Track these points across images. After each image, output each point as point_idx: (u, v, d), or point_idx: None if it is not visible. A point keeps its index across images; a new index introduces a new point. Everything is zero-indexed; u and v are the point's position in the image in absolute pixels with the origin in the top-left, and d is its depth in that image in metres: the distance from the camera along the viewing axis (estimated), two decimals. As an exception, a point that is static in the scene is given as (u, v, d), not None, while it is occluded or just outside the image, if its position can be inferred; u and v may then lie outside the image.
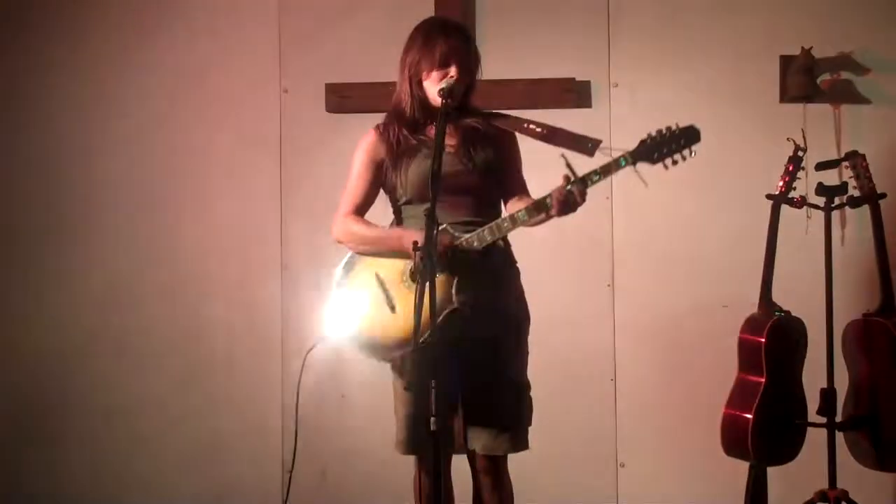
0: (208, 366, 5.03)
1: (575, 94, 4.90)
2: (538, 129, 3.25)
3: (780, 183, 4.32)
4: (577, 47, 4.98)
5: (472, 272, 3.15)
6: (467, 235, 3.15)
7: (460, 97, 3.25)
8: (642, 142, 3.07)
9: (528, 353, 3.34)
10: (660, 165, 3.07)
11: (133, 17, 5.08)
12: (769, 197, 4.33)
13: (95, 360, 5.03)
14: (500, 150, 3.34)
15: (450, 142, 3.23)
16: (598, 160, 3.12)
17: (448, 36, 3.25)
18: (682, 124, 3.09)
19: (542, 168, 3.29)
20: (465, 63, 3.25)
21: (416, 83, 3.26)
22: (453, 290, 3.11)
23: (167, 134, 5.06)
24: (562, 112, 4.52)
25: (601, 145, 3.11)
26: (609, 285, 4.91)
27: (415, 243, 2.98)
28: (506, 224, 3.15)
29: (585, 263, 4.93)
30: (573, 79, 4.91)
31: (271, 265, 5.02)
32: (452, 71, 3.21)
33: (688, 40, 4.96)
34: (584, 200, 3.07)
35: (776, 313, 4.26)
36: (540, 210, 3.11)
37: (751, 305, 4.36)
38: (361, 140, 3.39)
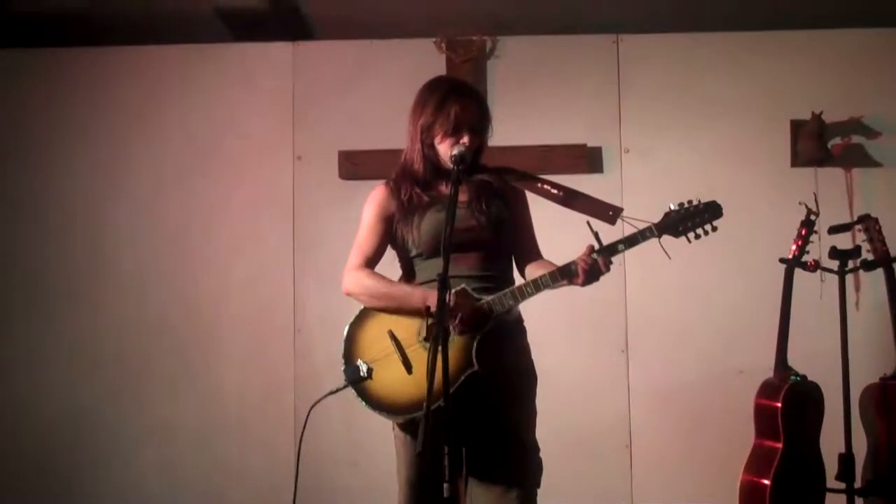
0: (220, 430, 5.03)
1: (586, 159, 4.96)
2: (554, 191, 3.26)
3: (793, 247, 4.34)
4: (588, 113, 5.06)
5: (489, 333, 3.13)
6: (489, 298, 3.14)
7: (471, 157, 3.23)
8: (667, 214, 3.15)
9: (536, 413, 3.29)
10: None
11: (149, 84, 5.18)
12: (782, 261, 4.36)
13: (107, 425, 5.04)
14: (511, 206, 3.33)
15: (461, 197, 3.19)
16: (618, 227, 3.16)
17: (462, 101, 3.23)
18: (704, 199, 3.16)
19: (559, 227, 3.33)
20: (478, 128, 3.26)
21: (428, 145, 3.26)
22: (474, 352, 3.10)
23: (181, 200, 5.15)
24: (573, 178, 4.25)
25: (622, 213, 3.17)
26: (623, 351, 4.94)
27: (428, 308, 2.99)
28: (528, 289, 3.14)
29: (599, 329, 4.94)
30: (584, 145, 4.98)
31: (284, 329, 5.05)
32: (465, 138, 3.21)
33: (698, 106, 5.03)
34: (608, 270, 3.11)
35: (792, 378, 4.27)
36: (564, 277, 3.13)
37: (766, 370, 4.36)
38: (371, 194, 3.37)
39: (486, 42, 5.08)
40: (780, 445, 4.17)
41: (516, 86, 5.05)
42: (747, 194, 4.87)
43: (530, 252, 3.37)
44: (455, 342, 3.06)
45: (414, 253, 3.31)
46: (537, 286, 3.14)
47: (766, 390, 4.30)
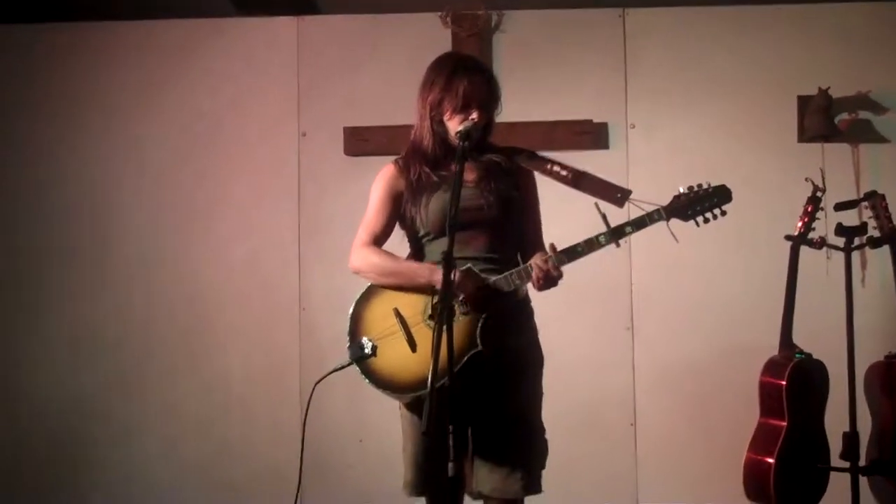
0: (224, 411, 5.05)
1: (592, 135, 4.95)
2: (563, 173, 3.26)
3: (799, 224, 4.36)
4: (593, 89, 5.04)
5: (494, 314, 3.14)
6: (496, 278, 3.14)
7: (479, 135, 3.22)
8: (676, 197, 3.17)
9: (542, 394, 3.30)
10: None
11: (152, 60, 5.16)
12: (788, 238, 4.37)
13: (111, 409, 5.06)
14: (520, 188, 3.32)
15: (469, 176, 3.22)
16: (625, 209, 3.17)
17: (471, 77, 3.22)
18: (714, 182, 3.19)
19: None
20: (487, 104, 3.24)
21: (437, 121, 3.25)
22: (478, 332, 3.11)
23: (184, 179, 5.14)
24: (579, 154, 4.49)
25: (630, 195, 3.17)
26: (628, 328, 4.95)
27: (434, 287, 3.04)
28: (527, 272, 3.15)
29: (604, 306, 4.94)
30: (590, 120, 4.97)
31: (290, 308, 5.05)
32: (474, 114, 3.20)
33: (705, 81, 5.02)
34: (560, 275, 3.12)
35: (797, 356, 4.29)
36: (522, 279, 3.14)
37: (771, 348, 4.39)
38: (380, 172, 3.38)
39: (492, 16, 5.05)
40: (784, 423, 4.19)
41: (521, 60, 5.03)
42: (754, 170, 4.87)
43: (532, 244, 3.30)
44: (460, 322, 3.06)
45: (422, 233, 3.31)
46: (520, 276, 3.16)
47: (771, 368, 4.31)
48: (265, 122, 5.13)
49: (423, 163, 3.29)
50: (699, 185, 3.19)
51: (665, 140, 4.98)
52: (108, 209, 5.13)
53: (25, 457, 5.04)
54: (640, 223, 3.15)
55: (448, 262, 2.82)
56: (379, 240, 3.33)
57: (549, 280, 3.12)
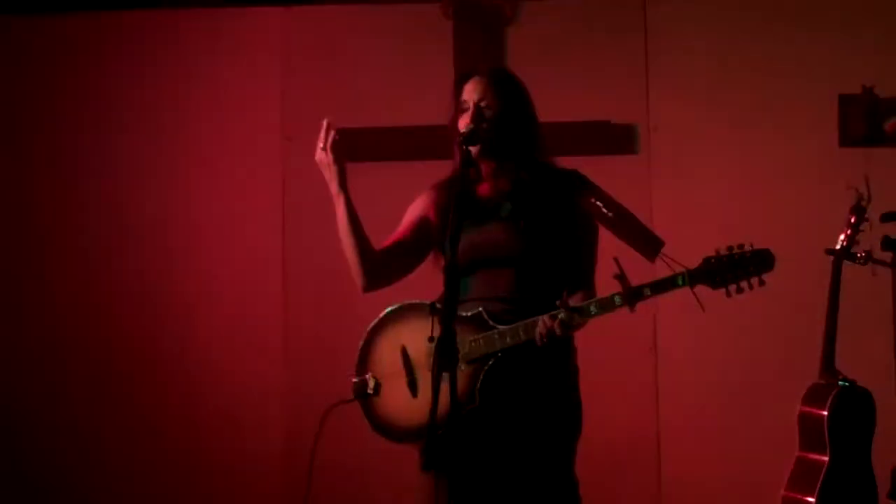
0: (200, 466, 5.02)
1: (611, 138, 4.92)
2: (605, 210, 3.13)
3: (842, 236, 4.26)
4: (611, 87, 5.01)
5: (506, 365, 3.04)
6: (503, 328, 3.03)
7: (487, 134, 3.10)
8: (706, 260, 3.01)
9: (572, 460, 3.18)
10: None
11: (125, 52, 5.14)
12: (830, 252, 4.27)
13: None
14: (565, 222, 3.17)
15: (504, 204, 3.18)
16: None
17: (471, 79, 3.18)
18: (756, 245, 3.06)
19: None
20: (489, 102, 3.13)
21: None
22: (477, 386, 3.03)
23: (151, 187, 5.10)
24: (594, 160, 4.40)
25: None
26: (651, 350, 4.93)
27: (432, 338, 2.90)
28: (521, 333, 3.03)
29: (625, 325, 4.61)
30: (608, 122, 4.92)
31: (272, 337, 5.01)
32: (466, 116, 3.11)
33: (735, 79, 4.98)
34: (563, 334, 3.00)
35: (840, 383, 4.18)
36: (585, 315, 3.02)
37: (811, 374, 4.28)
38: (420, 196, 3.34)
39: (502, 6, 5.03)
40: (826, 458, 4.11)
41: (533, 57, 4.95)
42: (790, 176, 4.83)
43: (578, 285, 3.15)
44: (463, 371, 2.98)
45: None
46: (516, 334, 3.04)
47: (811, 397, 4.22)
48: (245, 126, 5.08)
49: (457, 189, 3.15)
50: (738, 248, 3.02)
51: (691, 144, 4.95)
52: (78, 217, 5.11)
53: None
54: (659, 287, 3.01)
55: (451, 305, 2.76)
56: (388, 250, 3.25)
57: (552, 338, 2.99)
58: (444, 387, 2.68)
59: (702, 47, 5.02)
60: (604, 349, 4.72)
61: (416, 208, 3.31)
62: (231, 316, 5.05)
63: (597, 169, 3.30)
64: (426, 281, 3.24)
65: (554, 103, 4.64)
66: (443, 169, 3.28)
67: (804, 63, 4.95)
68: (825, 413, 4.14)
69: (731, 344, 4.89)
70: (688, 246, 3.00)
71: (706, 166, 4.90)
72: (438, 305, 2.94)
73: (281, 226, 5.05)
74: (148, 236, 5.08)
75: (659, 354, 4.93)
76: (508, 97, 3.20)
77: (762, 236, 3.05)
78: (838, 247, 4.27)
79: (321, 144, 3.17)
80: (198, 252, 5.08)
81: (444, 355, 2.70)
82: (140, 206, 5.09)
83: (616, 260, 2.94)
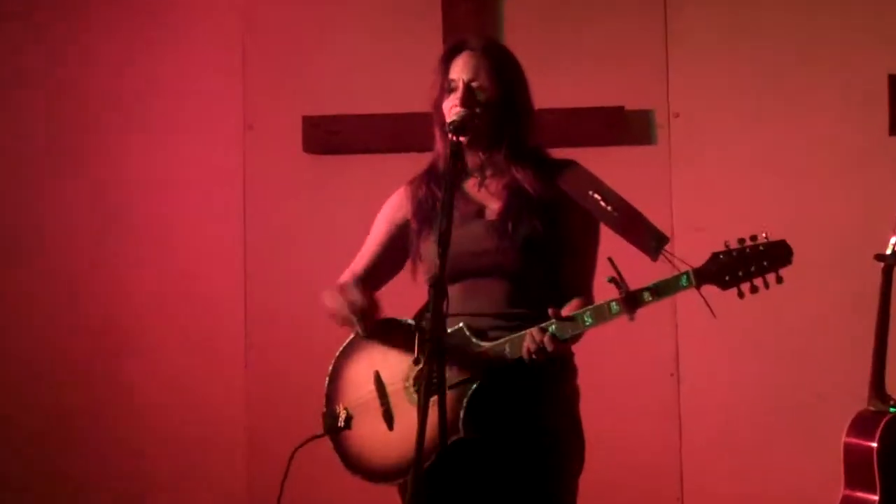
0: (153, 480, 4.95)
1: (625, 126, 4.85)
2: (604, 204, 3.00)
3: (893, 240, 4.09)
4: (626, 69, 4.92)
5: (492, 390, 2.94)
6: (488, 345, 2.93)
7: (474, 122, 3.00)
8: (714, 256, 2.86)
9: (573, 496, 3.09)
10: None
11: (70, 32, 5.09)
12: (879, 258, 4.09)
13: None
14: (560, 222, 3.08)
15: (493, 204, 3.07)
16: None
17: (461, 53, 3.07)
18: (772, 236, 2.87)
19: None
20: (482, 82, 3.04)
21: (444, 124, 3.06)
22: (461, 415, 2.89)
23: (98, 178, 5.06)
24: (607, 150, 4.52)
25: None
26: (673, 374, 4.84)
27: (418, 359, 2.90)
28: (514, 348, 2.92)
29: (644, 347, 4.77)
30: (622, 108, 4.84)
31: (233, 341, 4.95)
32: (454, 97, 2.99)
33: (766, 59, 4.89)
34: (554, 350, 2.90)
35: (892, 410, 3.98)
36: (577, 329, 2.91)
37: (857, 399, 4.09)
38: (391, 196, 3.28)
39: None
40: (876, 498, 3.92)
41: (536, 34, 4.89)
42: (831, 170, 4.75)
43: (573, 293, 3.06)
44: (449, 394, 2.80)
45: (430, 274, 3.05)
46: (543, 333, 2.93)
47: (858, 426, 4.02)
48: (202, 113, 5.00)
49: (433, 181, 3.16)
50: (750, 240, 2.85)
51: (716, 133, 4.87)
52: (28, 213, 5.08)
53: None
54: (660, 290, 2.87)
55: (438, 318, 2.66)
56: (364, 275, 3.22)
57: (543, 355, 2.87)
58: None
59: (727, 23, 4.93)
60: (622, 373, 4.81)
61: (389, 212, 3.26)
62: (186, 321, 5.02)
63: (608, 159, 3.37)
64: (396, 293, 3.22)
65: (557, 86, 4.67)
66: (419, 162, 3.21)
67: (847, 40, 4.84)
68: (874, 445, 3.94)
69: (761, 365, 4.81)
70: (712, 246, 2.91)
71: (733, 158, 4.84)
72: (424, 323, 2.89)
73: (242, 222, 5.01)
74: (91, 235, 5.06)
75: (680, 379, 4.86)
76: (505, 77, 3.10)
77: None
78: (889, 251, 4.09)
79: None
80: (146, 252, 5.06)
81: (433, 380, 2.64)
82: (96, 195, 5.06)
83: (611, 260, 2.82)
